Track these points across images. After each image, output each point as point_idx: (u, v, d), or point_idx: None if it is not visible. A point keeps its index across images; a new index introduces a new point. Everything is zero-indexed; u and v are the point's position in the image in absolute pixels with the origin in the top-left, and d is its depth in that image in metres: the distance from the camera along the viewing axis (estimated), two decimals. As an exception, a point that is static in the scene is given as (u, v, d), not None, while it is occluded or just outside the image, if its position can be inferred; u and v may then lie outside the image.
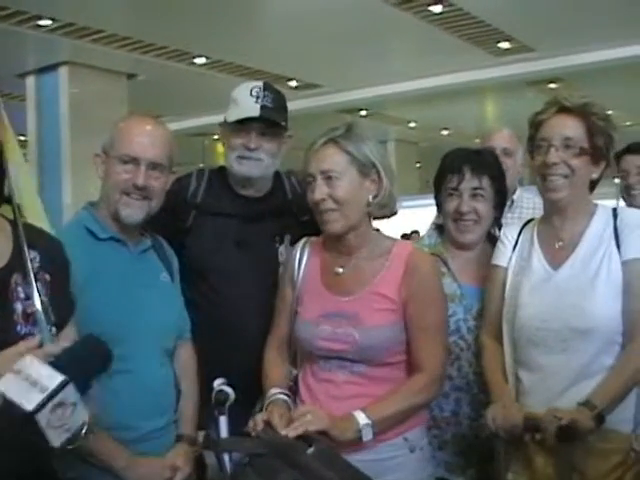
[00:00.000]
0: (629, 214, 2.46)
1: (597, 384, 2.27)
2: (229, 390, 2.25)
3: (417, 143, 16.83)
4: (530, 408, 2.33)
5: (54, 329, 1.82)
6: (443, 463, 2.62)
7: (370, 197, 2.36)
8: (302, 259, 2.51)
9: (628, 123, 14.80)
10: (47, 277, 1.93)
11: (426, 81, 11.31)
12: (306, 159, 2.37)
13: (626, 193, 3.35)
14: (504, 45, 9.93)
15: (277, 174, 2.88)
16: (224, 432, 2.22)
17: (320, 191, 2.32)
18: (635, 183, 3.29)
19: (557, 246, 2.47)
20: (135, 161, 2.37)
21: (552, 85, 11.70)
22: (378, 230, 2.49)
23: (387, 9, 8.23)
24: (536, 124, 2.48)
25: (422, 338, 2.31)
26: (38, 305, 1.81)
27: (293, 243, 2.67)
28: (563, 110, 2.43)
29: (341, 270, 2.42)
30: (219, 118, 2.89)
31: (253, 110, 2.68)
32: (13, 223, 1.94)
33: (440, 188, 2.79)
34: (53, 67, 9.89)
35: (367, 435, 2.19)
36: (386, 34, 9.21)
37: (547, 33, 9.31)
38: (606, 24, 8.79)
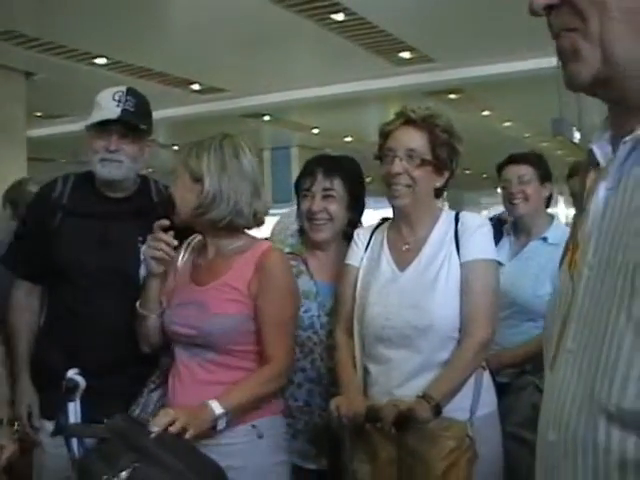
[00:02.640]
0: (468, 219, 2.60)
1: (435, 377, 2.44)
2: (79, 378, 2.34)
3: (321, 149, 16.95)
4: (374, 397, 2.49)
5: None
6: (297, 451, 2.74)
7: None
8: (185, 254, 2.68)
9: (527, 135, 15.23)
10: None
11: (328, 88, 11.43)
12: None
13: (508, 202, 3.51)
14: (405, 55, 10.10)
15: (144, 177, 3.01)
16: (72, 418, 2.29)
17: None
18: (517, 193, 3.45)
19: (404, 249, 2.62)
20: None
21: (452, 95, 11.95)
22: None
23: (289, 16, 8.28)
24: (384, 134, 2.63)
25: (271, 332, 2.45)
26: None
27: None
28: (408, 122, 2.57)
29: (202, 263, 2.60)
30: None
31: (113, 113, 2.77)
32: None
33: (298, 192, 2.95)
34: (-55, 63, 9.55)
35: (221, 424, 2.33)
36: (289, 41, 9.28)
37: (448, 44, 9.48)
38: (506, 37, 8.97)
